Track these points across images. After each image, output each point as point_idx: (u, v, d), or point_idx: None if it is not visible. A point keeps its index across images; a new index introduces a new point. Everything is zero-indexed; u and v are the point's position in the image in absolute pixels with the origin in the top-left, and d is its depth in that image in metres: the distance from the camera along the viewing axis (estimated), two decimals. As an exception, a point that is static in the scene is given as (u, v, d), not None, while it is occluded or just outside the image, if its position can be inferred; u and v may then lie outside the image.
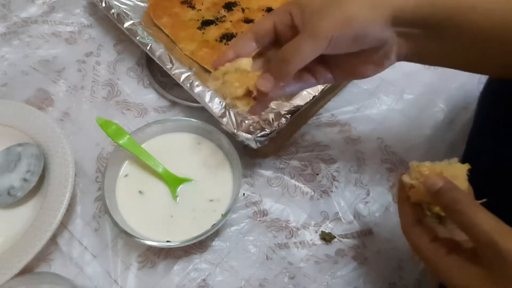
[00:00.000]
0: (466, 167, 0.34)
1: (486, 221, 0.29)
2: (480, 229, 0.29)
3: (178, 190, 0.47)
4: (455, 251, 0.32)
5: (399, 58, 0.37)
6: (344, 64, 0.38)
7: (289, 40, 0.34)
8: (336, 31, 0.32)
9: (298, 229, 0.50)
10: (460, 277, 0.30)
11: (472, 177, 0.34)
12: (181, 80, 0.53)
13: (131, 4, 0.63)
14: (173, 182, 0.48)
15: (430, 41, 0.35)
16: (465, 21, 0.33)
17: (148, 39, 0.57)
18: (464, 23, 0.33)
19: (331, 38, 0.33)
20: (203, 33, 0.59)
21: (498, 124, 0.43)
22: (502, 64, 0.35)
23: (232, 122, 0.49)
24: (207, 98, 0.51)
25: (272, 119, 0.50)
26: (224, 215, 0.44)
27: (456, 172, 0.34)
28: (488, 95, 0.47)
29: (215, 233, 0.48)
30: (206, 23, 0.60)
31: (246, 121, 0.49)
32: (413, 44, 0.35)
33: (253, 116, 0.50)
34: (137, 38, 0.57)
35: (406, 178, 0.35)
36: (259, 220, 0.50)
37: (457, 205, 0.31)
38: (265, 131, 0.49)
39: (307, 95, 0.52)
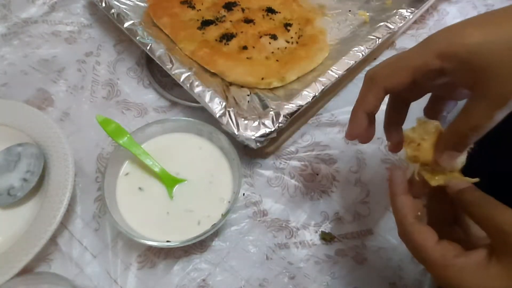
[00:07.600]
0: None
1: (508, 218, 0.28)
2: (503, 228, 0.28)
3: (175, 189, 0.47)
4: (464, 252, 0.30)
5: None
6: None
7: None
8: None
9: (298, 229, 0.50)
10: (476, 280, 0.28)
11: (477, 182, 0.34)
12: (181, 80, 0.53)
13: (131, 4, 0.63)
14: (169, 182, 0.48)
15: None
16: None
17: (148, 39, 0.57)
18: None
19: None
20: (203, 33, 0.59)
21: (500, 127, 0.43)
22: None
23: (232, 122, 0.49)
24: (207, 98, 0.51)
25: (272, 119, 0.50)
26: (224, 215, 0.44)
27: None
28: None
29: (215, 233, 0.48)
30: (206, 23, 0.60)
31: (246, 121, 0.49)
32: None
33: (253, 116, 0.50)
34: (137, 38, 0.57)
35: (409, 132, 0.35)
36: (259, 220, 0.50)
37: (478, 203, 0.30)
38: (265, 131, 0.49)
39: (307, 95, 0.52)
